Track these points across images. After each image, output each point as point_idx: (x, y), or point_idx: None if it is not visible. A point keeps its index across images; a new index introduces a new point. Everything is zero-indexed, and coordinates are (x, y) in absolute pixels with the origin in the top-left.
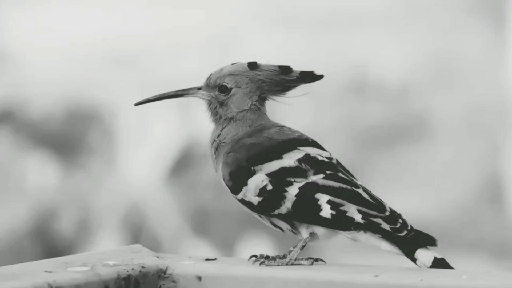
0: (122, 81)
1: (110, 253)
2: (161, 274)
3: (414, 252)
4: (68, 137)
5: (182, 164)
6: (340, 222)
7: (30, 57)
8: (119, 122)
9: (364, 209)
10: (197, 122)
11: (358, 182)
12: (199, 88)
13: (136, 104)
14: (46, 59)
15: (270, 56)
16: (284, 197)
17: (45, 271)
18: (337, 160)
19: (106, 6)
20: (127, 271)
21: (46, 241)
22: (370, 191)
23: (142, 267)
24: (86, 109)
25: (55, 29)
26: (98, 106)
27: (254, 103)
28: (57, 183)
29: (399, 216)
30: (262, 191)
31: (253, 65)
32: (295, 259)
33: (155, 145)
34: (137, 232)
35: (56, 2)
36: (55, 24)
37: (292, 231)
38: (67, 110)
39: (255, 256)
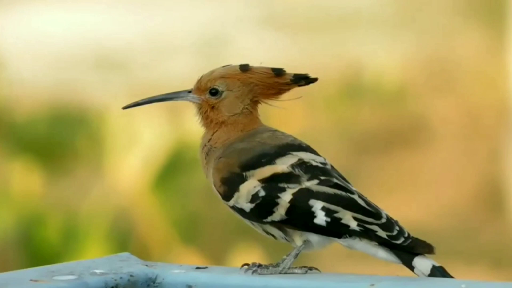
0: (110, 85)
1: (98, 261)
2: (150, 283)
3: (412, 260)
4: (54, 142)
5: (172, 170)
6: (335, 229)
7: (15, 60)
8: (107, 127)
9: (360, 216)
10: (187, 126)
11: (353, 188)
12: (189, 91)
13: (124, 108)
14: (32, 62)
15: (260, 59)
16: (277, 204)
17: (31, 280)
18: (331, 166)
19: (93, 8)
20: (115, 280)
21: (31, 249)
22: (366, 198)
23: (131, 275)
24: (73, 113)
25: (41, 31)
26: (85, 110)
27: (246, 106)
28: (43, 189)
29: (396, 223)
30: (254, 198)
31: (245, 67)
32: (289, 268)
33: (143, 150)
34: (125, 240)
35: (41, 4)
36: (41, 26)
37: (286, 239)
38: (53, 114)
39: (247, 264)
